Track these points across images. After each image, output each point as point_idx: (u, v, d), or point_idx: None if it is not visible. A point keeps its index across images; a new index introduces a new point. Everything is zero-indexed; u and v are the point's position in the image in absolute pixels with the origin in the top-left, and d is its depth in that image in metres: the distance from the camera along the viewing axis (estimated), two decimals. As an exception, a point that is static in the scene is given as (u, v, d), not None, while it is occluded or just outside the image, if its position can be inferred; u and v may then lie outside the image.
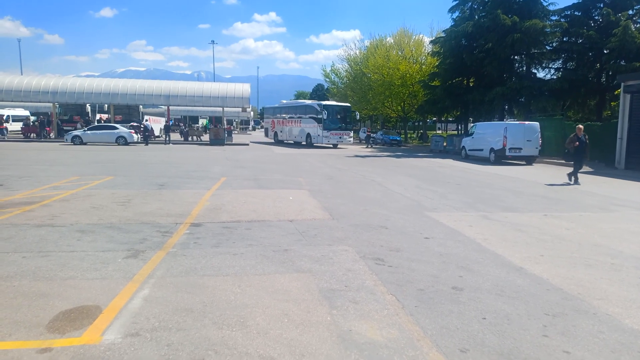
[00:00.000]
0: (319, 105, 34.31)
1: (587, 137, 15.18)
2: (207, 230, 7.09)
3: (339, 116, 34.40)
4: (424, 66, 42.05)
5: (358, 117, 35.69)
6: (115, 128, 31.92)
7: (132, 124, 37.82)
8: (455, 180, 14.88)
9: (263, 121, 45.29)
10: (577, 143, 14.54)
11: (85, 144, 30.29)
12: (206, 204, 9.30)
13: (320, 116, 33.32)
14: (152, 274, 5.01)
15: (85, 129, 32.30)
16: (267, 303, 4.28)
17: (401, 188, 12.49)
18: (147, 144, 32.36)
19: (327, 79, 58.48)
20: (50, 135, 36.27)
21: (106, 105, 43.76)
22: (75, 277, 4.86)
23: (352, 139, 35.25)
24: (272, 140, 41.04)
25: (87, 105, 42.62)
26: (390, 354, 3.41)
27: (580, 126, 15.05)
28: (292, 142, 37.70)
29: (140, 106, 44.56)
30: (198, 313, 4.01)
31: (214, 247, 6.11)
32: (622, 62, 26.47)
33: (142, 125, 34.56)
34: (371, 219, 8.25)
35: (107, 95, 35.44)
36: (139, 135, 32.71)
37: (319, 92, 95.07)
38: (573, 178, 14.64)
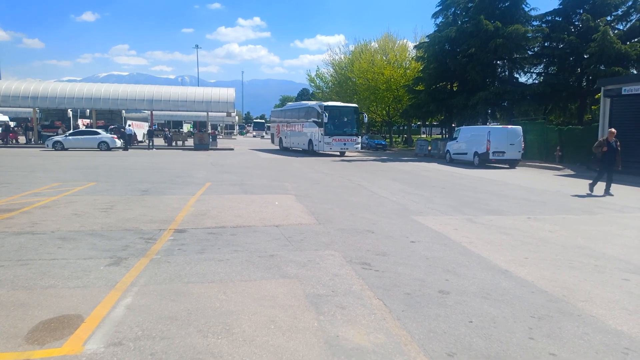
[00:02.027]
0: (320, 106, 29.39)
1: (619, 143, 13.22)
2: (192, 236, 7.00)
3: (345, 119, 29.81)
4: (408, 71, 42.42)
5: (366, 119, 30.70)
6: (98, 133, 31.46)
7: (111, 127, 37.37)
8: (440, 184, 14.98)
9: (269, 124, 40.90)
10: (606, 148, 12.82)
11: (66, 149, 29.79)
12: (191, 209, 9.20)
13: (321, 119, 28.76)
14: (135, 281, 4.92)
15: (67, 134, 31.79)
16: (253, 310, 4.23)
17: (387, 192, 12.52)
18: (126, 149, 31.91)
19: (312, 84, 58.58)
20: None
21: (88, 111, 43.23)
22: (55, 286, 4.74)
23: (359, 145, 30.28)
24: (278, 147, 36.69)
25: (69, 110, 42.02)
26: (377, 359, 3.39)
27: (613, 130, 13.27)
28: (299, 149, 33.13)
29: (123, 111, 44.15)
30: (182, 321, 3.94)
31: (198, 254, 6.03)
32: (602, 67, 27.01)
33: (121, 130, 34.04)
34: (358, 224, 8.24)
35: (89, 100, 34.97)
36: (121, 141, 32.29)
37: (304, 97, 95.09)
38: (600, 188, 12.89)
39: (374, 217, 8.86)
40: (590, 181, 13.29)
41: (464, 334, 3.84)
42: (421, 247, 6.70)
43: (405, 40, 45.54)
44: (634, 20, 28.35)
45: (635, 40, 27.08)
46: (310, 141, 30.45)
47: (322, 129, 28.58)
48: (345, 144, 29.23)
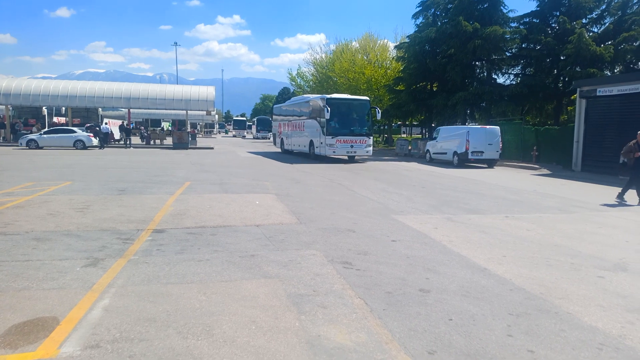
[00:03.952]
0: (322, 99, 23.63)
1: None
2: (171, 236, 6.90)
3: (354, 115, 24.17)
4: (388, 71, 42.68)
5: (379, 116, 25.03)
6: (73, 132, 30.76)
7: (87, 125, 36.62)
8: (420, 183, 15.11)
9: (273, 121, 34.96)
10: (639, 154, 11.41)
11: (41, 148, 29.07)
12: (169, 209, 9.07)
13: (322, 116, 23.15)
14: (112, 282, 4.82)
15: (41, 132, 31.02)
16: (234, 310, 4.19)
17: (368, 191, 12.57)
18: (102, 147, 31.30)
19: (293, 83, 58.48)
20: None
21: (63, 108, 42.28)
22: (30, 288, 4.61)
23: (370, 148, 24.07)
24: (280, 150, 31.62)
25: (44, 108, 41.03)
26: (359, 358, 3.39)
27: None
28: (301, 152, 27.44)
29: (100, 109, 43.26)
30: (161, 322, 3.88)
31: (177, 254, 5.95)
32: (578, 69, 27.65)
33: (97, 128, 33.34)
34: (339, 223, 8.25)
35: (64, 98, 34.18)
36: (98, 139, 31.62)
37: (285, 96, 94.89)
38: (632, 196, 11.82)
39: (355, 217, 8.88)
40: (619, 190, 12.04)
41: (444, 331, 3.87)
42: (402, 246, 6.74)
43: (385, 40, 45.87)
44: (607, 24, 29.10)
45: (609, 42, 27.80)
46: (311, 143, 25.04)
47: (324, 128, 23.17)
48: (352, 147, 23.37)
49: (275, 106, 34.79)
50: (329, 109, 22.35)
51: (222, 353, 3.39)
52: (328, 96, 23.72)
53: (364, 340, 3.68)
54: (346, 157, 24.92)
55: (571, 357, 3.48)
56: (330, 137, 22.89)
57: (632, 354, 3.57)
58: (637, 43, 26.80)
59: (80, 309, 4.10)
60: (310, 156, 25.07)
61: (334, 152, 23.28)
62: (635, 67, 28.48)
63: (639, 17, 26.53)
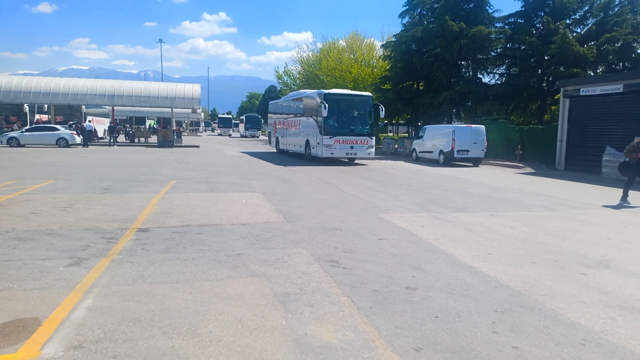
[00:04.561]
0: (319, 95, 21.28)
1: None
2: (156, 235, 6.82)
3: (354, 112, 21.90)
4: (375, 69, 42.83)
5: (383, 114, 22.34)
6: (56, 129, 30.26)
7: (70, 122, 36.05)
8: (407, 181, 15.19)
9: (270, 118, 32.48)
10: None
11: (22, 146, 28.56)
12: (154, 208, 8.98)
13: (319, 114, 20.83)
14: (96, 282, 4.75)
15: (23, 130, 30.46)
16: (220, 309, 4.15)
17: (355, 190, 12.59)
18: (86, 146, 30.85)
19: (280, 81, 58.38)
20: None
21: (46, 106, 41.55)
22: (11, 288, 4.52)
23: (372, 149, 21.80)
24: (275, 150, 29.66)
25: (25, 105, 40.27)
26: (346, 356, 3.39)
27: None
28: (297, 152, 25.21)
29: (83, 106, 42.62)
30: (146, 322, 3.83)
31: (163, 253, 5.88)
32: (562, 68, 28.07)
33: (80, 125, 32.85)
34: (326, 221, 8.24)
35: (47, 95, 33.57)
36: (81, 137, 31.14)
37: (271, 94, 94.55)
38: (623, 195, 11.51)
39: (342, 215, 8.89)
40: (622, 191, 11.69)
41: (430, 329, 3.89)
42: (389, 244, 6.76)
43: (372, 39, 46.07)
44: (590, 24, 29.58)
45: (592, 43, 28.27)
46: (307, 143, 22.89)
47: (321, 126, 20.91)
48: (352, 148, 21.19)
49: (270, 102, 32.78)
50: (326, 105, 20.02)
51: (208, 353, 3.36)
52: (326, 91, 21.46)
53: (351, 338, 3.68)
54: (345, 159, 22.79)
55: (555, 353, 3.53)
56: (328, 136, 20.72)
57: (614, 348, 3.63)
58: (619, 44, 27.30)
59: (63, 310, 4.04)
60: (306, 157, 23.02)
61: (331, 153, 21.05)
62: (617, 67, 29.01)
63: (621, 19, 27.03)
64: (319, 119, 20.92)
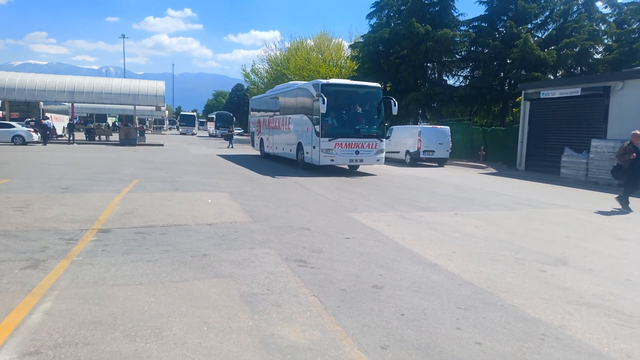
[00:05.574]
0: (316, 86, 16.91)
1: None
2: (117, 236, 6.63)
3: (359, 108, 17.66)
4: (343, 70, 43.07)
5: (396, 109, 17.54)
6: (11, 126, 28.97)
7: (28, 119, 34.59)
8: (374, 181, 15.32)
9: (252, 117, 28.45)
10: (634, 155, 10.78)
11: (-25, 143, 27.24)
12: (116, 208, 8.72)
13: (315, 113, 16.76)
14: (54, 285, 4.57)
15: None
16: (185, 311, 4.07)
17: (323, 189, 12.61)
18: (45, 143, 29.65)
19: (247, 79, 57.86)
20: None
21: (0, 102, 39.72)
22: (-41, 293, 4.29)
23: (382, 155, 17.69)
24: (259, 153, 25.44)
25: (-22, 100, 38.41)
26: (313, 355, 3.38)
27: (638, 132, 10.98)
28: (289, 157, 20.32)
29: (41, 103, 40.99)
30: (108, 325, 3.71)
31: (125, 255, 5.72)
32: (523, 72, 29.00)
33: (41, 122, 31.57)
34: (293, 221, 8.22)
35: (1, 90, 32.06)
36: (39, 135, 29.88)
37: (238, 92, 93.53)
38: (624, 202, 11.02)
39: (309, 215, 8.88)
40: (616, 196, 11.42)
41: (396, 326, 3.94)
42: (356, 243, 6.80)
43: (340, 39, 46.30)
44: (551, 29, 30.72)
45: (552, 47, 29.34)
46: (299, 146, 18.62)
47: (317, 126, 16.62)
48: (358, 153, 16.85)
49: (253, 98, 28.81)
50: (325, 99, 15.68)
51: (173, 355, 3.28)
52: (324, 81, 16.94)
53: (318, 337, 3.68)
54: (346, 167, 18.62)
55: (516, 348, 3.63)
56: (327, 139, 16.38)
57: (571, 342, 3.77)
58: (577, 49, 28.44)
59: (18, 314, 3.85)
60: (298, 164, 18.64)
61: (332, 160, 16.63)
62: (576, 71, 30.24)
63: (578, 25, 28.16)
64: (315, 116, 16.77)
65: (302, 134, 18.23)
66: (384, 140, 17.64)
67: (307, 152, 17.64)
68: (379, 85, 18.26)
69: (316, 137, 16.67)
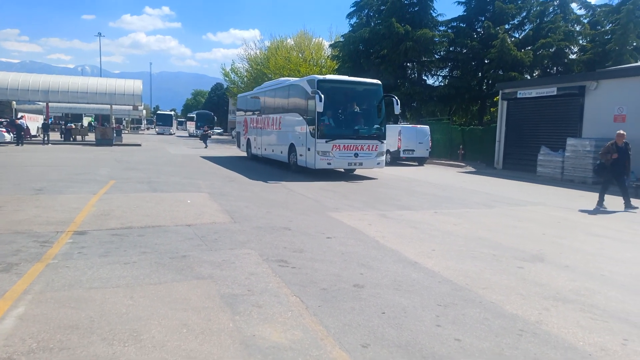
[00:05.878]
0: (311, 82, 15.78)
1: (630, 146, 11.13)
2: (94, 238, 6.49)
3: (356, 107, 16.47)
4: (323, 69, 43.03)
5: (399, 109, 17.01)
6: None
7: (0, 120, 33.66)
8: (355, 181, 15.36)
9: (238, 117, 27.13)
10: (616, 155, 10.75)
11: (-56, 143, 26.39)
12: (92, 209, 8.54)
13: (311, 113, 15.50)
14: (28, 289, 4.45)
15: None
16: (164, 314, 4.01)
17: (304, 189, 12.60)
18: (19, 144, 28.84)
19: (227, 78, 57.37)
20: None
21: (-29, 101, 38.61)
22: None
23: (383, 157, 16.42)
24: (245, 155, 24.19)
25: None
26: (294, 355, 3.37)
27: (622, 132, 10.96)
28: (280, 160, 18.89)
29: (14, 102, 39.93)
30: (85, 329, 3.63)
31: (101, 257, 5.60)
32: (500, 72, 29.53)
33: (16, 122, 30.76)
34: (274, 221, 8.18)
35: (-28, 89, 31.19)
36: (12, 135, 29.06)
37: (218, 92, 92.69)
38: (599, 199, 10.98)
39: (290, 214, 8.86)
40: (598, 195, 11.17)
41: (377, 325, 3.95)
42: (337, 242, 6.80)
43: (320, 39, 46.26)
44: (527, 30, 31.34)
45: (529, 48, 29.92)
46: (291, 147, 17.26)
47: (312, 126, 15.40)
48: (357, 155, 15.57)
49: (240, 96, 27.38)
50: (322, 96, 14.38)
51: (152, 358, 3.23)
52: (320, 77, 15.93)
53: (300, 337, 3.66)
54: (342, 170, 17.15)
55: (494, 344, 3.68)
56: (324, 140, 15.11)
57: (548, 337, 3.84)
58: (553, 49, 29.08)
59: (-11, 320, 3.75)
60: (290, 167, 17.34)
61: (329, 163, 15.34)
62: (551, 71, 30.92)
63: (554, 26, 28.79)
64: (310, 116, 15.53)
65: (294, 135, 16.91)
66: (384, 141, 16.37)
67: (300, 155, 16.34)
68: (379, 81, 16.79)
69: (311, 138, 15.39)
